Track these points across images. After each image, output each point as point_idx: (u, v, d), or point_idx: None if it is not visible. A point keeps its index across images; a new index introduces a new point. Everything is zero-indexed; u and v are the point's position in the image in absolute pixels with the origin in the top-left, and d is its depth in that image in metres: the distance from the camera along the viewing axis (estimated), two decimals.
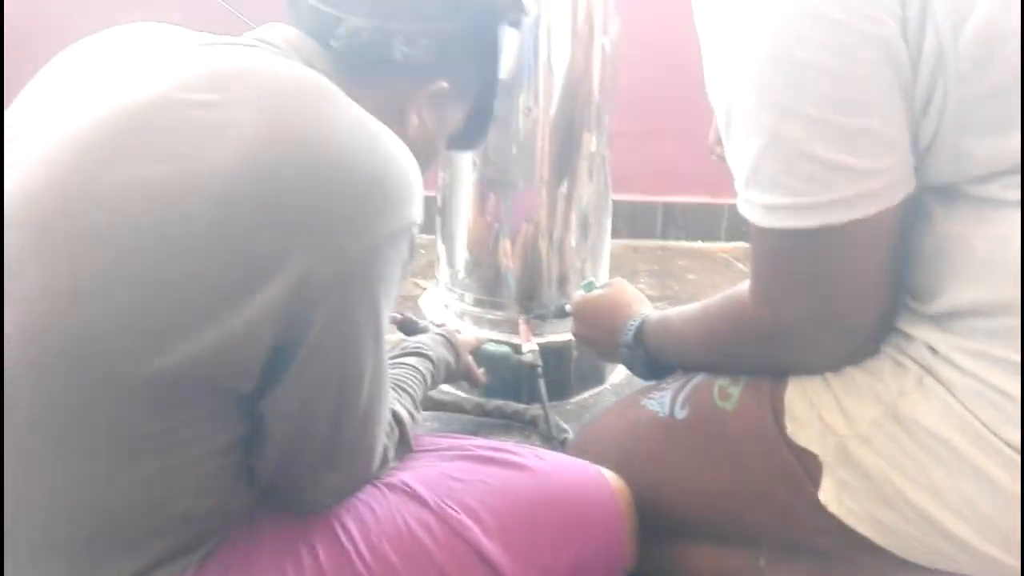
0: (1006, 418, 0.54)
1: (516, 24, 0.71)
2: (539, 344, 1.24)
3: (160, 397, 0.49)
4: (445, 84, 0.67)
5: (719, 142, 0.89)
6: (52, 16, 1.92)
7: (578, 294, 1.00)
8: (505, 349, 1.17)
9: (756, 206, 0.58)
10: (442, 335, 0.99)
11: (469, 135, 0.76)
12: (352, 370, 0.55)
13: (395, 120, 0.63)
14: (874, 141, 0.54)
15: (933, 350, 0.58)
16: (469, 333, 1.18)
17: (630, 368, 0.87)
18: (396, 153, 0.54)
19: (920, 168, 0.56)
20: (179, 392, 0.50)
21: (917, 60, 0.53)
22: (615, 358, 0.87)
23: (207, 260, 0.48)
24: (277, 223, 0.49)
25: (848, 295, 0.59)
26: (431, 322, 1.10)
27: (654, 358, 0.82)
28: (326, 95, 0.54)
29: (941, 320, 0.58)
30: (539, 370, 1.20)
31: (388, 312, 0.56)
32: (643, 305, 0.90)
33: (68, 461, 0.50)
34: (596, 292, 0.96)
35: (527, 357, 1.21)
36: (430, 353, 0.92)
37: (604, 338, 0.90)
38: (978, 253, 0.55)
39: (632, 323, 0.84)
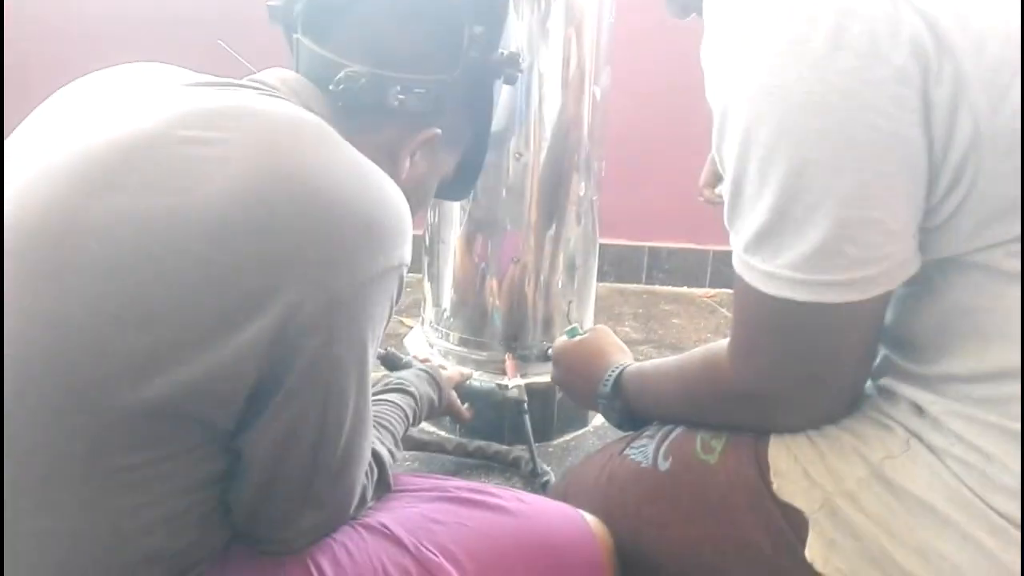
0: (995, 485, 0.53)
1: (511, 81, 0.72)
2: (523, 384, 1.24)
3: (138, 430, 0.49)
4: (438, 132, 0.68)
5: (708, 184, 0.90)
6: (50, 59, 1.93)
7: (561, 339, 1.00)
8: (490, 385, 1.17)
9: (755, 271, 0.57)
10: (425, 371, 0.98)
11: (458, 184, 0.77)
12: (334, 409, 0.55)
13: (388, 163, 0.64)
14: (874, 232, 0.53)
15: (920, 410, 0.58)
16: (453, 368, 1.18)
17: (607, 418, 0.86)
18: (388, 194, 0.55)
19: (928, 242, 0.56)
20: (157, 426, 0.49)
21: (947, 145, 0.52)
22: (593, 406, 0.87)
23: (194, 293, 0.48)
24: (267, 259, 0.49)
25: (831, 365, 0.59)
26: (415, 357, 1.10)
27: (631, 410, 0.82)
28: (322, 136, 0.55)
29: (933, 382, 0.58)
30: (524, 406, 1.19)
31: (374, 352, 0.56)
32: (623, 355, 0.90)
33: (42, 493, 0.49)
34: (577, 338, 0.96)
35: (512, 393, 1.20)
36: (412, 390, 0.91)
37: (582, 385, 0.90)
38: (980, 322, 0.55)
39: (611, 373, 0.83)
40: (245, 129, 0.52)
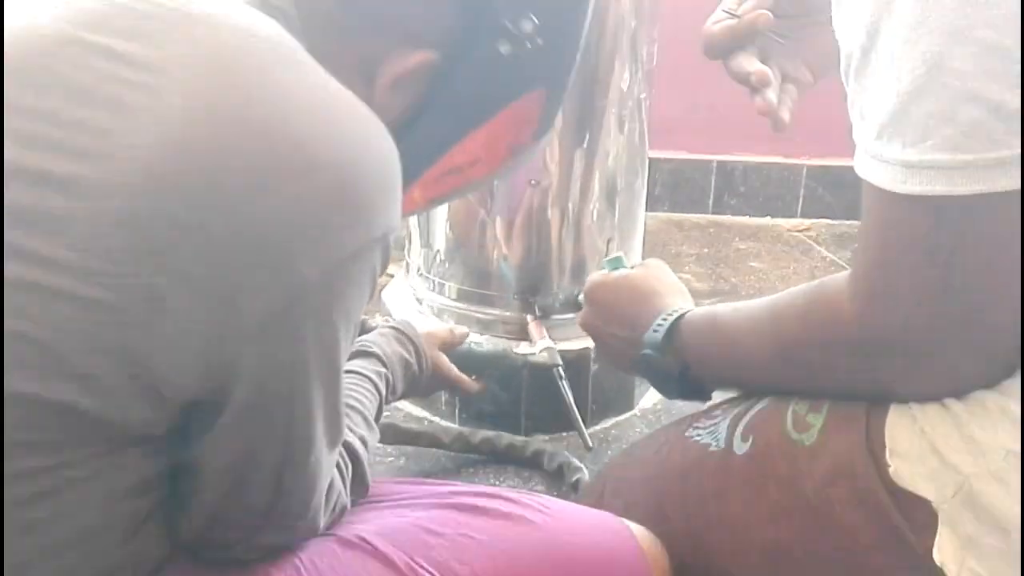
0: None
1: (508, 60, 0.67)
2: (554, 346, 1.24)
3: (42, 425, 0.50)
4: (435, 57, 0.65)
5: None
6: None
7: (599, 273, 1.01)
8: (499, 347, 1.18)
9: (891, 165, 0.58)
10: (391, 327, 1.01)
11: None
12: (301, 423, 0.57)
13: (362, 85, 0.63)
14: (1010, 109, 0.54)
15: None
16: (433, 324, 1.17)
17: (653, 382, 0.87)
18: (370, 137, 0.54)
19: None
20: (64, 421, 0.50)
21: None
22: (633, 365, 0.88)
23: (116, 275, 0.48)
24: (206, 233, 0.49)
25: (993, 293, 0.60)
26: (385, 320, 1.11)
27: (692, 370, 0.83)
28: (281, 58, 0.54)
29: None
30: (560, 370, 1.19)
31: (348, 345, 0.58)
32: (682, 297, 0.91)
33: None
34: (621, 271, 0.97)
35: (541, 356, 1.20)
36: (375, 350, 0.94)
37: (622, 334, 0.90)
38: None
39: (665, 318, 0.84)
40: (180, 48, 0.51)
